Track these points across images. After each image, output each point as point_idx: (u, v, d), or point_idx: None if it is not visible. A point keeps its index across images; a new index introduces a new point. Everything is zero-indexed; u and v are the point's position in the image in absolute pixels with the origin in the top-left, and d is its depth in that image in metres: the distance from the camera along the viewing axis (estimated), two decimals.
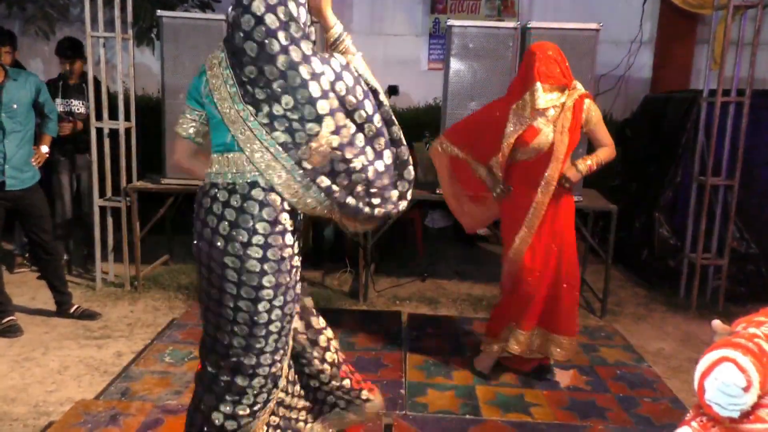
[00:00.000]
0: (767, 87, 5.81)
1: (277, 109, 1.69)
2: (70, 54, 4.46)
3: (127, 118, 4.38)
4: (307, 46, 1.70)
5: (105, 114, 4.31)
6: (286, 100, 1.67)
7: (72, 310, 3.86)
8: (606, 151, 2.97)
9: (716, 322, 1.24)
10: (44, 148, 3.84)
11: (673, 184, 4.78)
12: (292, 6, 1.71)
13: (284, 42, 1.67)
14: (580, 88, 2.89)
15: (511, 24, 4.26)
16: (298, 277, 1.93)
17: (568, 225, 3.02)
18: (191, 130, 1.99)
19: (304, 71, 1.67)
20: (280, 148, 1.72)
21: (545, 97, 2.80)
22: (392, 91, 6.37)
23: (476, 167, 3.08)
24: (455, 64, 4.17)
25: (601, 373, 3.31)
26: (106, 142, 4.33)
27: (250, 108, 1.72)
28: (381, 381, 3.12)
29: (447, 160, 3.16)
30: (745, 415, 1.09)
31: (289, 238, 1.84)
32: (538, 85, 2.78)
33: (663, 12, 6.11)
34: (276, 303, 1.84)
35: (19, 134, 3.59)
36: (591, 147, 3.08)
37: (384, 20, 6.54)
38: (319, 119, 1.68)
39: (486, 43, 4.13)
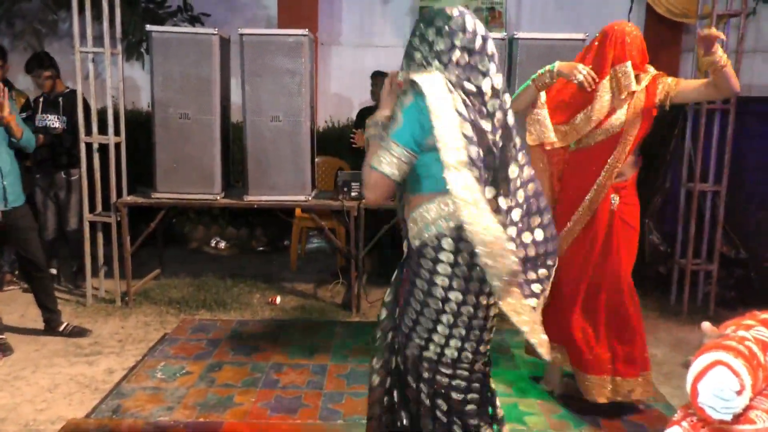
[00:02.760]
0: (752, 94, 5.88)
1: None
2: (30, 69, 4.48)
3: (117, 133, 4.37)
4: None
5: (94, 128, 4.30)
6: None
7: (61, 329, 3.81)
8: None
9: (706, 325, 1.26)
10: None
11: (662, 190, 4.82)
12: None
13: None
14: (652, 70, 2.74)
15: (498, 35, 4.29)
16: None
17: (627, 220, 2.81)
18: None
19: None
20: None
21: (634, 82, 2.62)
22: None
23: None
24: None
25: None
26: (96, 156, 4.32)
27: None
28: None
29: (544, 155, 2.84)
30: (736, 417, 1.11)
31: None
32: (629, 64, 2.61)
33: (648, 21, 6.18)
34: None
35: (7, 148, 3.58)
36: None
37: (373, 32, 6.57)
38: None
39: None
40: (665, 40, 6.11)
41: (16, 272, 4.73)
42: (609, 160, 2.70)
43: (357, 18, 6.57)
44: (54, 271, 4.68)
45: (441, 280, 1.84)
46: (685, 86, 2.72)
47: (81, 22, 4.18)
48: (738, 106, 4.26)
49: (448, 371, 1.90)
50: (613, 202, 2.78)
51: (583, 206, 2.77)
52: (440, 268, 1.83)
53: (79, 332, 3.81)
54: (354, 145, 4.65)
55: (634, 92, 2.66)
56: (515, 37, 4.14)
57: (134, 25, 5.69)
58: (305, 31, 4.17)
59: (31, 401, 3.03)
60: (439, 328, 1.87)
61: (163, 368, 3.35)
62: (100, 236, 4.46)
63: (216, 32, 4.21)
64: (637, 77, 2.66)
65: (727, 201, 4.36)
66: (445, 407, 1.93)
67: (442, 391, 1.92)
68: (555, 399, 3.09)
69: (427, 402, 1.94)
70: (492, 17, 6.53)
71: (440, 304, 1.85)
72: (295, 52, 4.15)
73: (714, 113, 4.35)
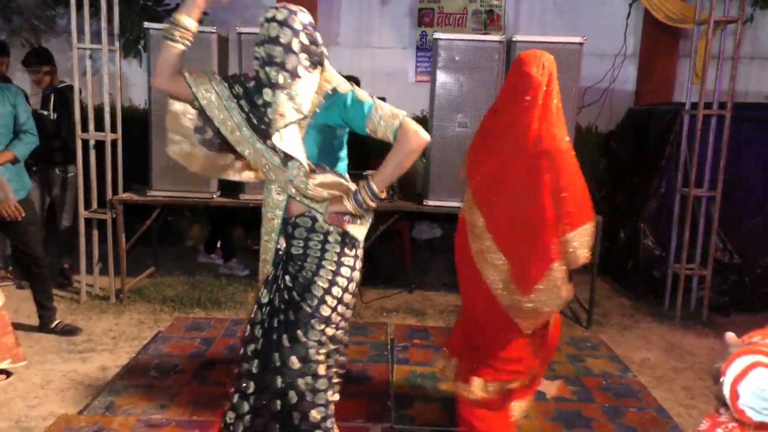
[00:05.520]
0: (748, 100, 5.92)
1: None
2: (28, 63, 4.45)
3: (114, 130, 4.36)
4: None
5: (91, 126, 4.30)
6: None
7: (53, 325, 3.80)
8: None
9: (730, 335, 1.25)
10: None
11: (657, 195, 4.83)
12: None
13: None
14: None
15: (496, 37, 4.30)
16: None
17: None
18: None
19: None
20: None
21: None
22: None
23: None
24: (442, 77, 4.20)
25: (587, 383, 3.32)
26: (92, 153, 4.32)
27: None
28: (368, 393, 3.12)
29: None
30: None
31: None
32: None
33: (646, 26, 6.21)
34: None
35: (7, 142, 3.57)
36: None
37: (371, 33, 6.59)
38: None
39: (472, 56, 4.17)
40: (662, 46, 6.14)
41: (10, 268, 4.72)
42: None
43: (355, 19, 6.58)
44: None
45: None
46: None
47: (79, 18, 4.17)
48: (734, 112, 4.28)
49: None
50: None
51: None
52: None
53: (70, 330, 3.80)
54: None
55: None
56: (513, 40, 4.14)
57: (132, 22, 5.68)
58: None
59: (23, 397, 3.02)
60: None
61: (157, 366, 3.34)
62: (95, 233, 4.45)
63: (214, 30, 4.21)
64: None
65: (721, 206, 4.37)
66: None
67: None
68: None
69: None
70: (491, 20, 6.55)
71: None
72: None
73: (710, 118, 4.37)
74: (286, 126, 1.89)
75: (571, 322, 4.34)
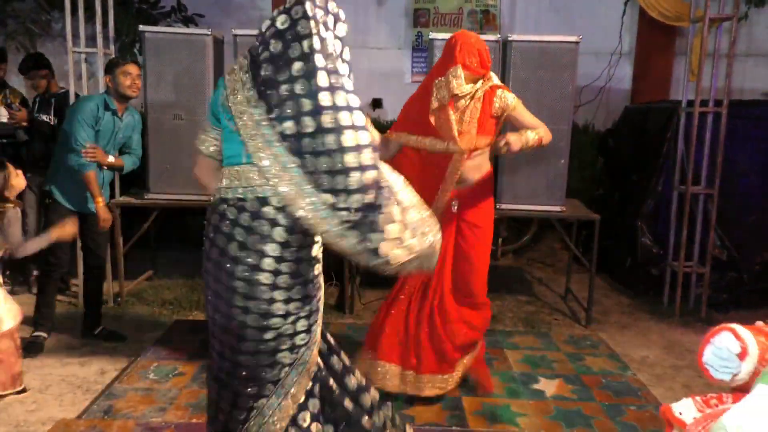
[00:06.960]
0: (744, 97, 5.93)
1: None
2: (26, 69, 4.44)
3: None
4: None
5: None
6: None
7: (97, 332, 3.79)
8: (543, 131, 2.74)
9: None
10: (110, 158, 3.62)
11: (654, 193, 4.84)
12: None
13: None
14: (495, 80, 2.79)
15: (492, 37, 4.30)
16: (316, 306, 1.82)
17: (471, 220, 2.85)
18: (212, 148, 1.89)
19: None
20: (290, 157, 1.59)
21: (465, 84, 2.67)
22: (376, 104, 6.42)
23: (420, 141, 2.76)
24: None
25: (586, 381, 3.33)
26: None
27: (264, 110, 1.62)
28: None
29: None
30: (747, 386, 1.16)
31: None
32: (459, 68, 2.64)
33: (641, 24, 6.22)
34: (285, 332, 1.74)
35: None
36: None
37: (367, 34, 6.59)
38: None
39: None
40: (658, 44, 6.15)
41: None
42: (449, 166, 2.73)
43: (351, 19, 6.48)
44: (36, 272, 4.65)
45: None
46: (523, 113, 2.77)
47: (74, 22, 4.17)
48: (730, 109, 4.29)
49: None
50: (453, 207, 2.83)
51: (435, 202, 2.74)
52: None
53: (115, 336, 3.78)
54: None
55: (461, 97, 2.69)
56: (509, 39, 4.15)
57: (128, 25, 5.67)
58: None
59: (22, 402, 3.00)
60: None
61: (156, 369, 3.33)
62: None
63: (209, 33, 4.20)
64: (476, 80, 2.72)
65: (719, 204, 4.38)
66: None
67: None
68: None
69: None
70: (486, 20, 6.55)
71: None
72: None
73: (706, 116, 4.38)
74: None
75: (570, 320, 4.34)
